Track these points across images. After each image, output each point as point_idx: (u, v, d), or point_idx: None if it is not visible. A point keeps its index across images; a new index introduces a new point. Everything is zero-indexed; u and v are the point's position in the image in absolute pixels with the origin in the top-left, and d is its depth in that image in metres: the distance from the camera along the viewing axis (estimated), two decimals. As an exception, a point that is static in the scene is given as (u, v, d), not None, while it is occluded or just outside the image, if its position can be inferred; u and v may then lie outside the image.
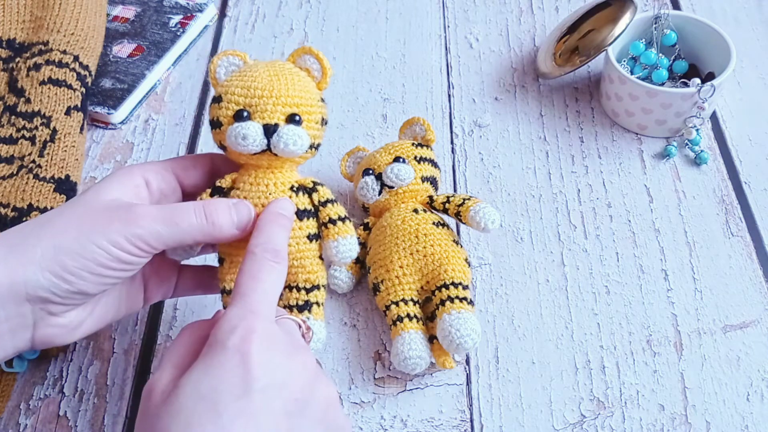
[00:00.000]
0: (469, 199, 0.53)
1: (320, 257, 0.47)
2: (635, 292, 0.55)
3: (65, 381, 0.51)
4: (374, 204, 0.55)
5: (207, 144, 0.66)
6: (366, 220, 0.56)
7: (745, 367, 0.51)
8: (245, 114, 0.43)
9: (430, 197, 0.55)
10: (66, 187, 0.58)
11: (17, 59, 0.65)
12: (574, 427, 0.49)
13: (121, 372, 0.52)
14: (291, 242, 0.45)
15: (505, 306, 0.55)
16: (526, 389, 0.50)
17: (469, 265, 0.52)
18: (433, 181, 0.56)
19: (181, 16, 0.74)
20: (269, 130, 0.43)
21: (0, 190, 0.57)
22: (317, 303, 0.46)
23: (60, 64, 0.63)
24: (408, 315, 0.50)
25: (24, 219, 0.55)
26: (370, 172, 0.55)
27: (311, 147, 0.45)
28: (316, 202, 0.46)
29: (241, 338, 0.36)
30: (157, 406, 0.35)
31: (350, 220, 0.46)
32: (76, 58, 0.64)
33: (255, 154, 0.44)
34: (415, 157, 0.55)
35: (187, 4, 0.75)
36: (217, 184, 0.46)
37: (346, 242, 0.45)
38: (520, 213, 0.60)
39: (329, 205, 0.46)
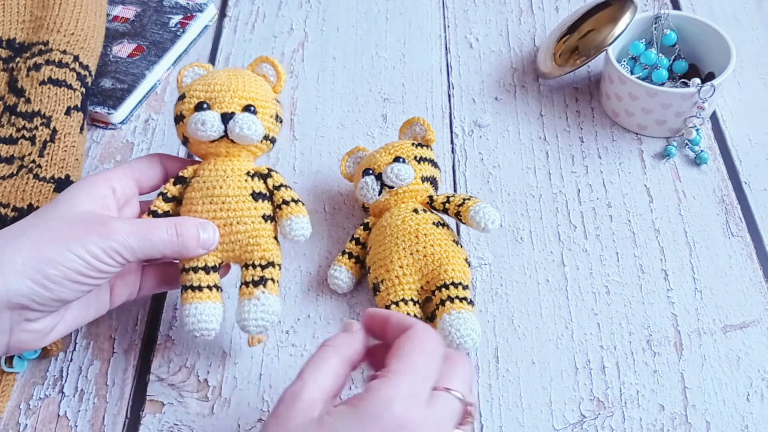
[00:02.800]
0: (469, 199, 0.53)
1: (275, 238, 0.50)
2: (635, 292, 0.55)
3: (65, 381, 0.51)
4: (374, 204, 0.55)
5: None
6: (366, 220, 0.56)
7: (745, 367, 0.51)
8: (205, 105, 0.49)
9: (430, 197, 0.55)
10: (66, 187, 0.58)
11: (17, 59, 0.65)
12: (574, 427, 0.49)
13: (121, 372, 0.52)
14: (247, 221, 0.49)
15: (505, 306, 0.55)
16: (526, 389, 0.50)
17: (469, 265, 0.52)
18: (433, 181, 0.56)
19: (181, 16, 0.74)
20: (226, 118, 0.48)
21: (0, 190, 0.57)
22: (272, 279, 0.49)
23: (60, 64, 0.63)
24: (408, 315, 0.50)
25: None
26: (370, 172, 0.55)
27: (266, 138, 0.50)
28: (271, 187, 0.50)
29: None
30: (305, 420, 0.35)
31: (302, 203, 0.50)
32: (76, 58, 0.64)
33: (213, 141, 0.49)
34: (415, 157, 0.55)
35: (187, 4, 0.75)
36: (180, 174, 0.50)
37: (298, 220, 0.49)
38: (520, 213, 0.60)
39: (282, 189, 0.50)
